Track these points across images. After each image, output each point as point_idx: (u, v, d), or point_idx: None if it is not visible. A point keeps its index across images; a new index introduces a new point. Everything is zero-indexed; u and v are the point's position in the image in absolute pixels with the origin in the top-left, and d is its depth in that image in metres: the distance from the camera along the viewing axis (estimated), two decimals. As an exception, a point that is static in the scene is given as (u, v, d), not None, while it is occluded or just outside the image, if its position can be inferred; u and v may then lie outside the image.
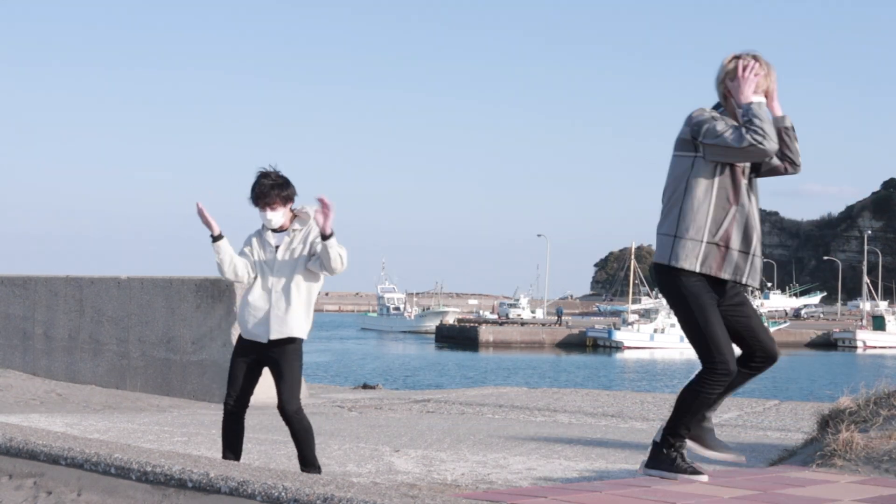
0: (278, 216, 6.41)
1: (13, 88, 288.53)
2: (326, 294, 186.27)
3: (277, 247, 6.43)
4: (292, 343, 6.44)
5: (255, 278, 6.48)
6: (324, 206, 6.24)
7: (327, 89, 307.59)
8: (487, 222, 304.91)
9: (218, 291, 13.91)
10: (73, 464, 5.40)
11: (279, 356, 6.42)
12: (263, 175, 6.40)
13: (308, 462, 6.53)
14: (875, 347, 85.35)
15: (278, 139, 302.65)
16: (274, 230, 6.46)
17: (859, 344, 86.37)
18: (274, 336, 6.38)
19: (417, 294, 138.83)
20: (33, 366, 16.30)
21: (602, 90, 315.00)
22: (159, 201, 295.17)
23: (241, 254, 6.53)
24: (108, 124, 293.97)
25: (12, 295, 16.86)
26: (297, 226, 6.46)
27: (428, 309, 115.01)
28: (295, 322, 6.40)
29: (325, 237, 6.26)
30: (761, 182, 5.43)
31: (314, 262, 6.39)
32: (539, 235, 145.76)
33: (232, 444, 6.59)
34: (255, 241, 6.53)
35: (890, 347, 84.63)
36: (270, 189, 6.35)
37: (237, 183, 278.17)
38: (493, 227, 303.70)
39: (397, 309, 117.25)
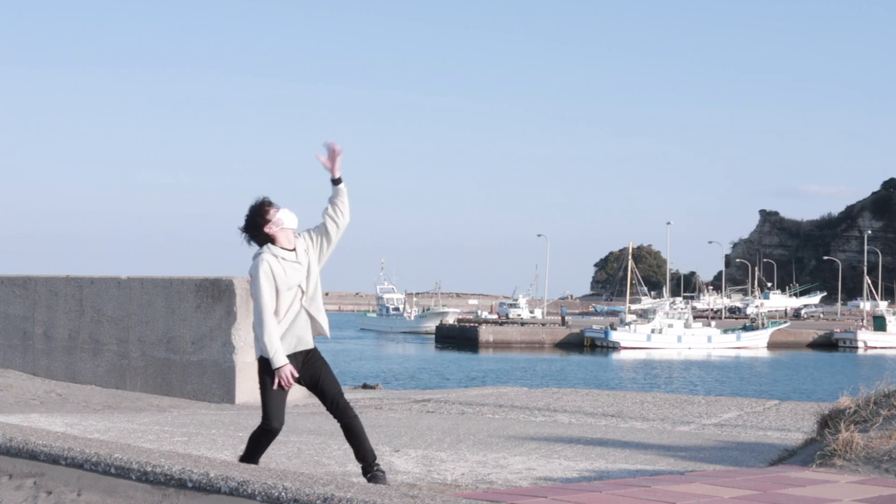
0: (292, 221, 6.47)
1: (13, 88, 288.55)
2: (326, 294, 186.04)
3: (299, 262, 6.43)
4: (315, 350, 6.51)
5: (280, 296, 6.43)
6: (332, 151, 6.39)
7: (327, 89, 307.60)
8: (487, 222, 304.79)
9: (218, 291, 13.91)
10: (73, 464, 5.40)
11: (317, 358, 6.48)
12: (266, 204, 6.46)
13: (369, 455, 6.42)
14: (876, 348, 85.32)
15: (278, 139, 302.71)
16: (287, 248, 6.43)
17: (860, 344, 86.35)
18: (315, 340, 6.47)
19: (417, 294, 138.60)
20: (33, 366, 16.30)
21: (602, 90, 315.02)
22: (159, 201, 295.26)
23: (266, 282, 6.33)
24: (109, 124, 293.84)
25: (12, 295, 16.86)
26: (299, 241, 6.50)
27: (428, 309, 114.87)
28: (326, 322, 6.53)
29: (335, 182, 6.42)
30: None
31: (328, 220, 6.48)
32: (539, 235, 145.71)
33: (260, 456, 6.59)
34: (275, 265, 6.33)
35: (891, 348, 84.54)
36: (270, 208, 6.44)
37: (238, 183, 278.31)
38: (493, 227, 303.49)
39: (396, 309, 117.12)
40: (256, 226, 6.40)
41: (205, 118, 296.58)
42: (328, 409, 6.49)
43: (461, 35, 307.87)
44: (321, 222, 6.52)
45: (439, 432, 10.24)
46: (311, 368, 6.41)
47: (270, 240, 6.39)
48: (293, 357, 6.39)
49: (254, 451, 6.53)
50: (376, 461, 6.45)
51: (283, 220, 6.40)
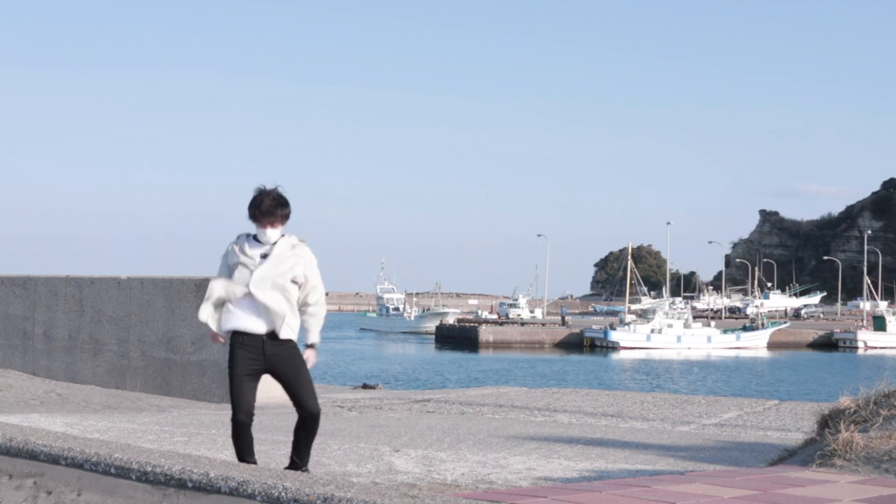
0: (276, 234, 6.52)
1: (13, 88, 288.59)
2: (327, 294, 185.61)
3: (264, 255, 6.50)
4: (290, 343, 6.48)
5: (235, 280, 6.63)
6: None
7: (327, 89, 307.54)
8: (487, 222, 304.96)
9: (218, 291, 13.90)
10: (73, 464, 5.40)
11: (284, 357, 6.45)
12: (265, 193, 6.45)
13: (305, 457, 6.57)
14: (876, 348, 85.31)
15: (278, 139, 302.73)
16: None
17: (860, 344, 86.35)
18: (266, 330, 6.47)
19: (417, 294, 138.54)
20: (33, 366, 16.30)
21: (602, 90, 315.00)
22: (159, 201, 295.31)
23: (224, 268, 6.87)
24: (109, 124, 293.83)
25: (12, 295, 16.86)
26: (286, 240, 6.53)
27: (428, 309, 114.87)
28: (287, 323, 6.49)
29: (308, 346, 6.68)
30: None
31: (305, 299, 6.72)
32: (539, 235, 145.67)
33: (249, 452, 6.60)
34: (237, 248, 6.64)
35: (891, 348, 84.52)
36: (274, 208, 6.41)
37: (238, 183, 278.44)
38: (493, 227, 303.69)
39: (396, 309, 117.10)
40: (251, 213, 6.53)
41: (205, 118, 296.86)
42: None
43: (461, 35, 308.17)
44: (307, 283, 6.67)
45: (439, 432, 10.24)
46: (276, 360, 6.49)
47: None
48: (249, 352, 6.49)
49: (239, 450, 6.55)
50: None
51: (267, 237, 6.49)
